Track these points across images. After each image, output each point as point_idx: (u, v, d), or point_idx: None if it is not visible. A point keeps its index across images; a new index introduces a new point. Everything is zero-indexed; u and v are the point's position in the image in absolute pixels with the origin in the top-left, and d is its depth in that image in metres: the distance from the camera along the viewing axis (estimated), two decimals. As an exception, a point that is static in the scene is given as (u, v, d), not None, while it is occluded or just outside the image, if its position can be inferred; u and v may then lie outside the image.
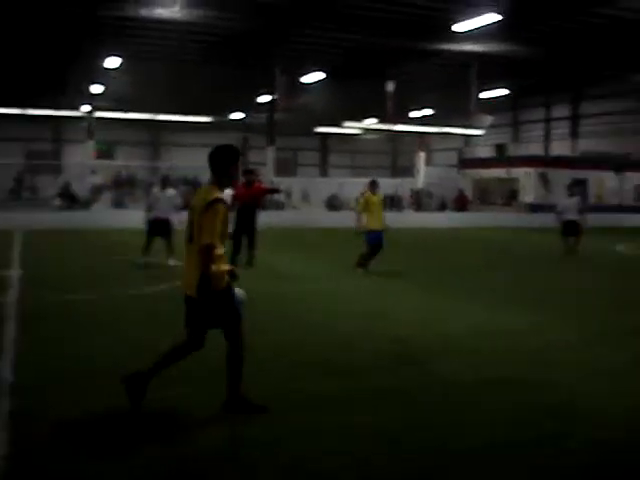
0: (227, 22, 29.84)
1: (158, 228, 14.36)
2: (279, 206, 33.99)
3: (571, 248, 18.52)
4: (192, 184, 32.68)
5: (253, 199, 15.04)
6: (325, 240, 23.80)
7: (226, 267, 5.27)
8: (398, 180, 42.05)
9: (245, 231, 14.73)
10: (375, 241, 13.97)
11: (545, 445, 4.86)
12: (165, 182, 15.09)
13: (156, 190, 14.94)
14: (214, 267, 5.11)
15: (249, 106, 45.48)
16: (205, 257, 5.06)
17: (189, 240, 5.32)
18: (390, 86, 40.76)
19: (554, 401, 5.85)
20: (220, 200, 5.21)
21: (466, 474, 4.43)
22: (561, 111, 49.96)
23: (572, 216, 18.42)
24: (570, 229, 18.51)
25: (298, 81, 39.67)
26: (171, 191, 15.03)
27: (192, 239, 5.26)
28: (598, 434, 5.10)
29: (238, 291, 5.44)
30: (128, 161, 44.96)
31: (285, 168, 47.37)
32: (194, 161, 33.56)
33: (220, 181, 5.41)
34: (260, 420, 5.19)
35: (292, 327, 8.72)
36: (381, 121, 40.94)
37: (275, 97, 37.42)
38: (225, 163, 5.41)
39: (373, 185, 14.58)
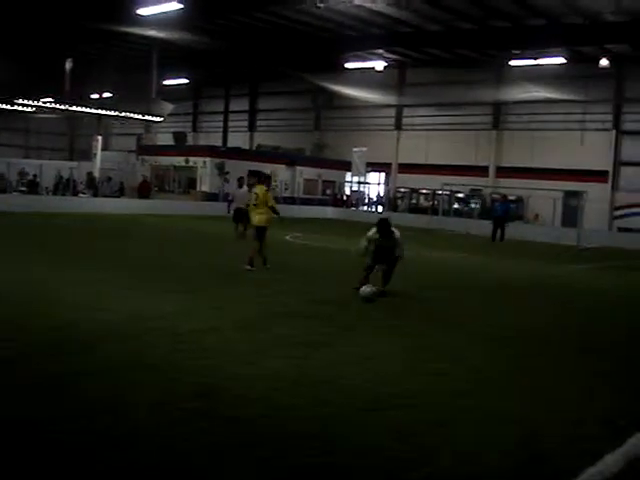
0: None
1: None
2: None
3: (242, 233, 20.03)
4: None
5: None
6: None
7: None
8: (75, 163, 40.53)
9: None
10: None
11: (188, 425, 4.99)
12: None
13: None
14: None
15: None
16: None
17: None
18: (69, 65, 39.13)
19: (201, 382, 6.01)
20: None
21: (119, 459, 4.39)
22: (240, 104, 51.74)
23: (241, 205, 20.04)
24: (239, 216, 20.18)
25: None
26: None
27: None
28: (233, 412, 5.33)
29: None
30: None
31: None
32: None
33: None
34: None
35: None
36: (58, 100, 39.07)
37: None
38: None
39: (269, 179, 14.87)
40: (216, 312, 9.35)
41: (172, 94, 46.21)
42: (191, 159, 40.52)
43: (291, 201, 41.83)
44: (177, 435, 4.80)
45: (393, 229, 11.33)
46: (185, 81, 48.06)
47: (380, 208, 44.01)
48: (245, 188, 20.73)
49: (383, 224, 11.28)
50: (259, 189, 14.22)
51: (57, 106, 39.24)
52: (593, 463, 4.64)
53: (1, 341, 7.02)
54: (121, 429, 4.86)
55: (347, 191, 47.34)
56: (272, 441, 4.81)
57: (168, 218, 29.71)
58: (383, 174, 45.75)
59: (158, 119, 40.81)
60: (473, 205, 39.83)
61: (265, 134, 50.52)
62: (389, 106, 43.27)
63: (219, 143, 47.71)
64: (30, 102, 39.14)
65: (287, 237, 23.49)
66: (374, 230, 11.34)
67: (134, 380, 6.01)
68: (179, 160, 41.10)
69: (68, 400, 5.43)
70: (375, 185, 46.80)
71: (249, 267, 13.76)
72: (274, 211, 14.08)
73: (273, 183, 42.19)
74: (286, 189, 42.85)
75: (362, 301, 10.53)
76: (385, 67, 39.51)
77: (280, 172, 42.31)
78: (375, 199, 46.34)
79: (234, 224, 20.35)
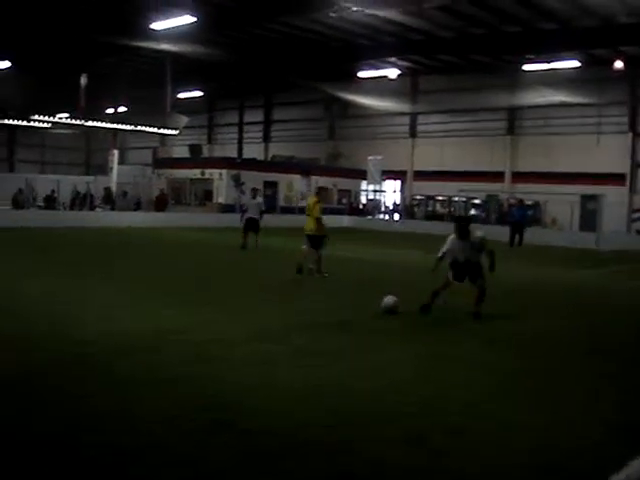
0: None
1: None
2: None
3: (244, 243, 20.66)
4: None
5: None
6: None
7: None
8: (91, 178, 40.76)
9: None
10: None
11: (199, 438, 4.94)
12: None
13: None
14: None
15: None
16: None
17: None
18: (84, 80, 39.34)
19: (216, 394, 5.98)
20: None
21: (135, 472, 4.36)
22: (254, 115, 51.85)
23: (253, 215, 20.64)
24: (250, 226, 20.66)
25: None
26: None
27: None
28: (248, 425, 5.27)
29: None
30: None
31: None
32: None
33: None
34: None
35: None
36: (73, 116, 39.31)
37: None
38: None
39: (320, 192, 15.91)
40: (232, 323, 9.30)
41: (187, 107, 46.38)
42: (207, 171, 40.65)
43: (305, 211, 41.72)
44: (192, 448, 4.76)
45: (473, 230, 10.07)
46: (199, 94, 48.22)
47: (397, 216, 43.90)
48: (259, 199, 21.10)
49: (461, 221, 10.17)
50: (310, 199, 15.20)
51: (73, 121, 39.48)
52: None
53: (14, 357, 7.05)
54: (134, 442, 4.83)
55: (363, 200, 47.28)
56: (289, 453, 4.77)
57: (185, 231, 29.80)
58: (399, 182, 45.67)
59: (173, 132, 40.96)
60: (489, 206, 39.59)
61: (280, 144, 50.59)
62: (403, 114, 43.22)
63: (234, 154, 47.79)
64: (46, 118, 39.38)
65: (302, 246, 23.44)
66: (452, 236, 10.18)
67: (145, 394, 5.98)
68: (195, 172, 41.25)
69: (80, 414, 5.42)
70: (391, 193, 46.72)
71: (319, 274, 14.64)
72: (318, 220, 14.69)
73: (289, 193, 42.42)
74: (302, 199, 42.77)
75: (383, 312, 10.36)
76: (398, 75, 39.45)
77: (295, 182, 42.28)
78: (391, 207, 46.25)
79: (242, 233, 20.67)
